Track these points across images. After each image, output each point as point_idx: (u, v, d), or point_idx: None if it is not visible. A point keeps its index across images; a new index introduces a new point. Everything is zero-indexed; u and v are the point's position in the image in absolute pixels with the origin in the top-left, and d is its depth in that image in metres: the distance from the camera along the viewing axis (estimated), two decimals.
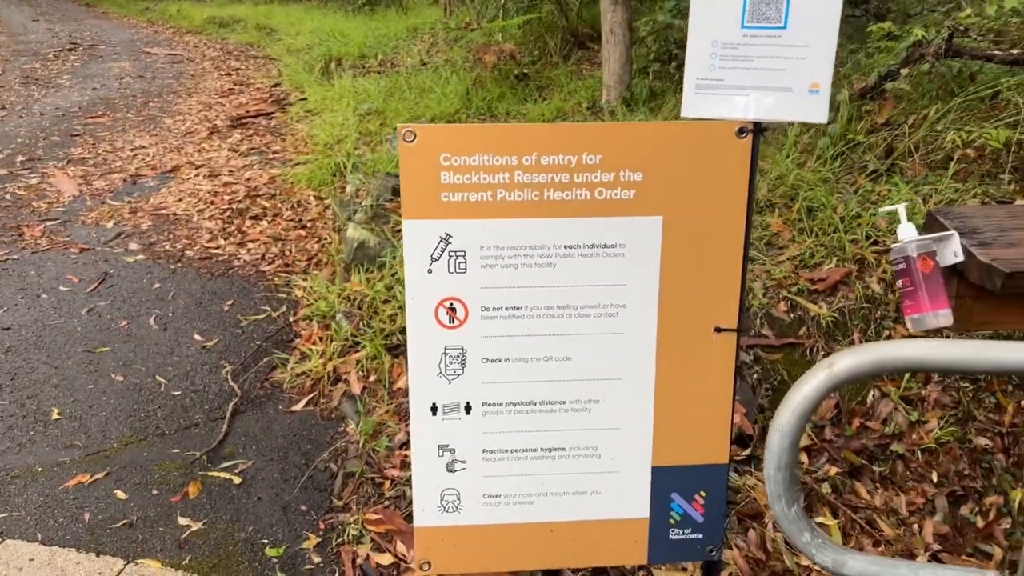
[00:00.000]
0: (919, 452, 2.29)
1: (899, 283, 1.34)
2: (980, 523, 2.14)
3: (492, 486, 1.49)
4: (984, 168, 2.93)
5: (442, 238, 1.37)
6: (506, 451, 1.47)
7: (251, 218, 4.59)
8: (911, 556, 2.06)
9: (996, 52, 3.17)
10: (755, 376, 2.45)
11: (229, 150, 6.27)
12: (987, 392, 2.40)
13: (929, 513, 2.18)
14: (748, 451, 2.26)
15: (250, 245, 4.17)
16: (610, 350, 1.44)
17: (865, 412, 2.40)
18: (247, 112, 7.60)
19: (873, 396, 2.42)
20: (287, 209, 4.69)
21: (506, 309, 1.41)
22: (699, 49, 1.35)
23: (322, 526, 2.17)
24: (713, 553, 1.56)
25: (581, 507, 1.51)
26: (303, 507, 2.25)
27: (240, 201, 4.95)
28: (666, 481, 1.51)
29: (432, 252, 1.37)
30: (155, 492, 2.33)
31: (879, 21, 4.14)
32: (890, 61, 3.48)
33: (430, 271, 1.38)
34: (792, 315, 2.54)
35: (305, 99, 7.68)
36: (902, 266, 1.32)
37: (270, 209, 4.71)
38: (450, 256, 1.38)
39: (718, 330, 1.45)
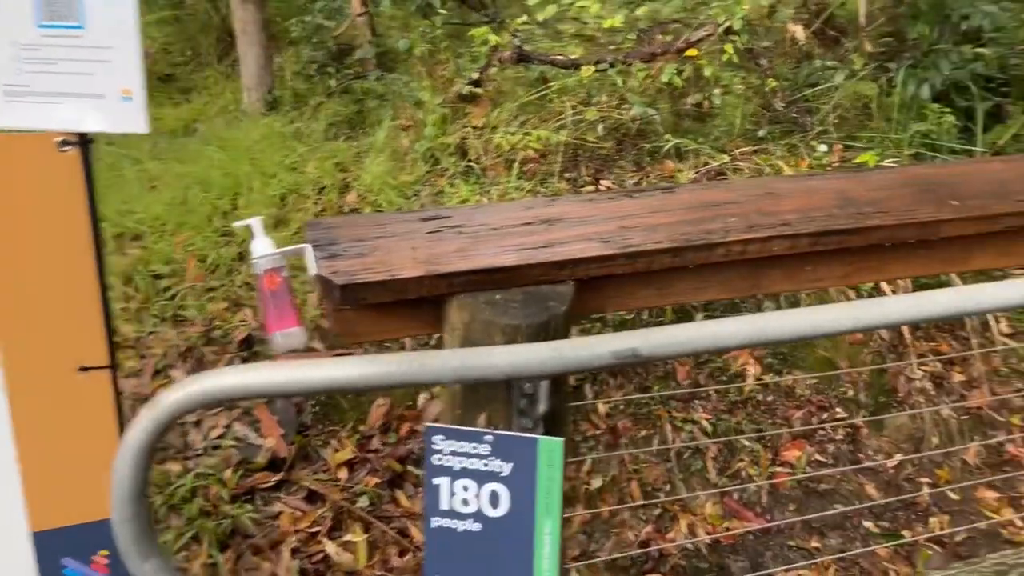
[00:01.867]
0: None
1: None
2: None
3: None
4: (546, 168, 3.13)
5: None
6: None
7: None
8: None
9: (558, 57, 3.41)
10: None
11: None
12: None
13: None
14: (280, 476, 2.15)
15: None
16: None
17: (416, 416, 2.41)
18: None
19: (424, 398, 2.44)
20: None
21: None
22: None
23: None
24: None
25: None
26: None
27: None
28: (52, 546, 1.31)
29: None
30: None
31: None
32: (478, 66, 3.61)
33: None
34: None
35: None
36: (257, 284, 1.24)
37: None
38: None
39: (84, 369, 1.28)
